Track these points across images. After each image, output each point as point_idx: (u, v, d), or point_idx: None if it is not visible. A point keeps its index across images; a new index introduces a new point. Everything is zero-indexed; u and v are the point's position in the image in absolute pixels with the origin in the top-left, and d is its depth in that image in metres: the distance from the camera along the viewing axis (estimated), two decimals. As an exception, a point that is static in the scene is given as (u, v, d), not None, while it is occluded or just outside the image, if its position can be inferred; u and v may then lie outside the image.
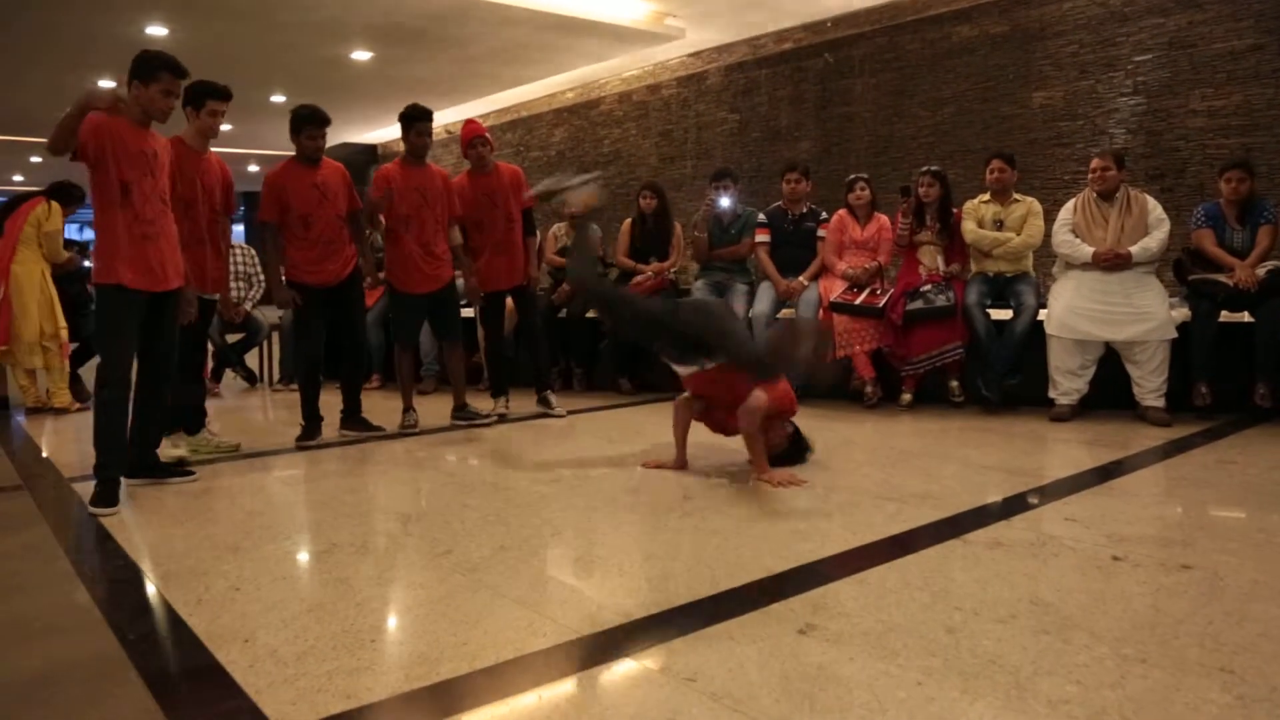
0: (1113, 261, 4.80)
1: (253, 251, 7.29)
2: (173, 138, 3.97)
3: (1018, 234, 5.28)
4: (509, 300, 5.58)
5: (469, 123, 5.39)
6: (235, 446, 4.58)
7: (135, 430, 3.77)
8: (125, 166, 3.53)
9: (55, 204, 6.17)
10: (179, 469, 3.96)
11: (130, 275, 3.54)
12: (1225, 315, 4.79)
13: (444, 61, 9.75)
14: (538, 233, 5.91)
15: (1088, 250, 4.88)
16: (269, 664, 1.98)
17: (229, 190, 4.42)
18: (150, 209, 3.61)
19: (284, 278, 4.78)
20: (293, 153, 4.77)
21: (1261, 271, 4.70)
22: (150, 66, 3.58)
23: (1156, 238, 4.83)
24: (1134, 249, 4.80)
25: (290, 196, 4.63)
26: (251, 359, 7.74)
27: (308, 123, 4.65)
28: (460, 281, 5.42)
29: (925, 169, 5.57)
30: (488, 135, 5.33)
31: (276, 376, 7.67)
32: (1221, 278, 4.75)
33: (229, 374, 7.55)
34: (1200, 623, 2.09)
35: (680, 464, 3.93)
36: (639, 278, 6.26)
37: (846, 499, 3.34)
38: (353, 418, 4.95)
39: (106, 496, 3.43)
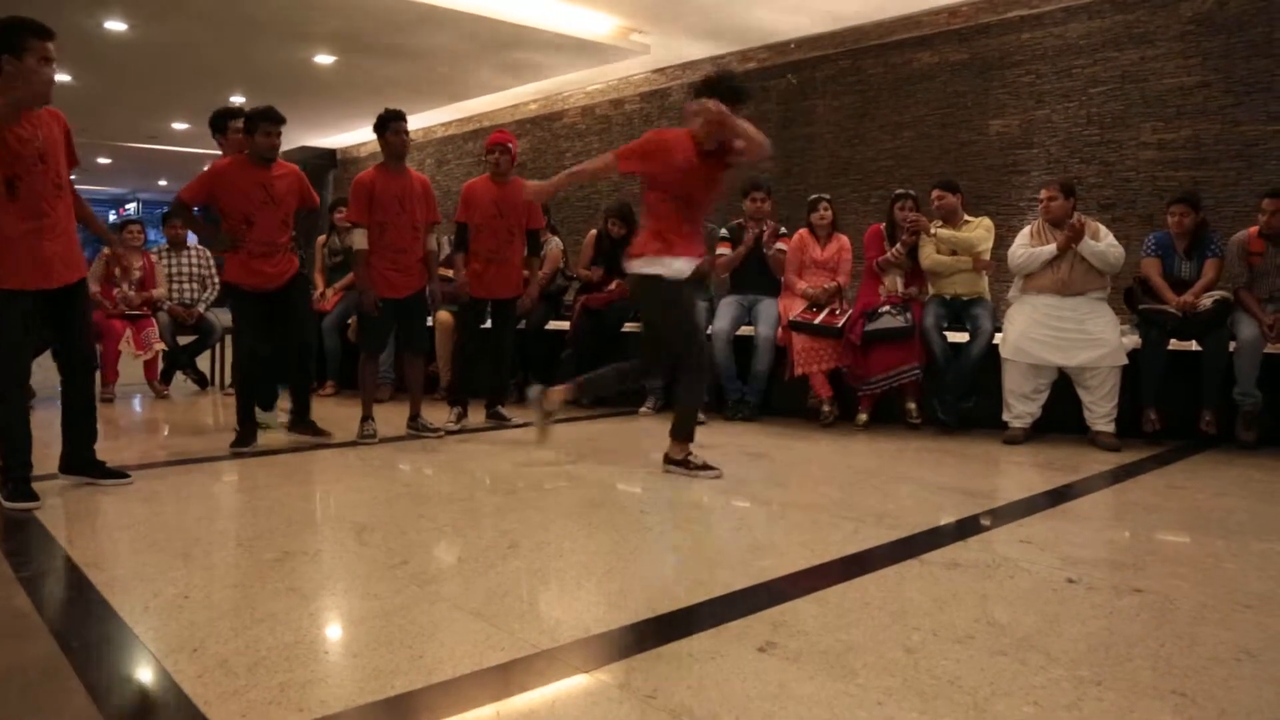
0: (1076, 235, 4.83)
1: (207, 253, 7.16)
2: None
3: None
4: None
5: (497, 131, 5.43)
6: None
7: (66, 427, 3.70)
8: (9, 158, 3.26)
9: None
10: (115, 471, 3.80)
11: (14, 278, 3.34)
12: (1174, 344, 4.91)
13: (407, 69, 9.68)
14: (542, 254, 5.89)
15: (1050, 247, 4.92)
16: (218, 674, 1.93)
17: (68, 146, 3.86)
18: (43, 201, 3.37)
19: (220, 280, 4.64)
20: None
21: (1208, 301, 4.82)
22: (17, 35, 3.22)
23: (1109, 244, 4.88)
24: (1086, 238, 4.83)
25: (230, 191, 4.49)
26: (204, 362, 7.60)
27: (264, 119, 4.52)
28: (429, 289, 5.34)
29: (905, 191, 5.65)
30: (510, 146, 5.32)
31: (228, 380, 7.53)
32: (1169, 308, 4.86)
33: (179, 376, 7.40)
34: (1152, 645, 2.13)
35: None
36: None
37: (804, 517, 3.36)
38: (301, 420, 4.85)
39: (18, 493, 3.39)
